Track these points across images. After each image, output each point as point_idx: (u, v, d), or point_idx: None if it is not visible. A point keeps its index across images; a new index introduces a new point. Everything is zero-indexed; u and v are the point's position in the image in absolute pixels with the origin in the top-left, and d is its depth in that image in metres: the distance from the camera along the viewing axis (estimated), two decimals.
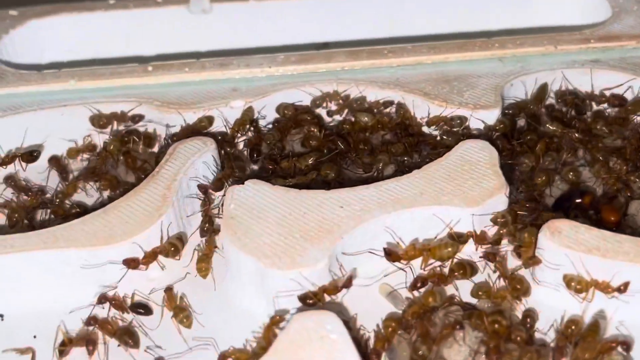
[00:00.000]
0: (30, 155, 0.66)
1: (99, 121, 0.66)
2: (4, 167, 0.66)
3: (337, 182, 0.63)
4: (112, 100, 0.68)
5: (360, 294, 0.56)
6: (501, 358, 0.50)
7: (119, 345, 0.53)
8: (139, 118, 0.67)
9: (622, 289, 0.53)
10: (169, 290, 0.56)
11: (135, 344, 0.52)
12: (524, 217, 0.59)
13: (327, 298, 0.54)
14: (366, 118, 0.68)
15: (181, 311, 0.54)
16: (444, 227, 0.58)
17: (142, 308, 0.55)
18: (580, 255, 0.54)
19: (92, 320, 0.53)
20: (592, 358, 0.51)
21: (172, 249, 0.57)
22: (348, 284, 0.55)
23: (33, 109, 0.67)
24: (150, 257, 0.57)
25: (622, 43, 0.74)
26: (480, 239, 0.58)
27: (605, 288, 0.54)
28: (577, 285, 0.54)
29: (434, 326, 0.53)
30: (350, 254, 0.56)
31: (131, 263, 0.56)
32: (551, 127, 0.66)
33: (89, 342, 0.52)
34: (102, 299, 0.55)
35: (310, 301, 0.53)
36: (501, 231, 0.58)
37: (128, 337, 0.53)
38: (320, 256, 0.54)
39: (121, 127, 0.67)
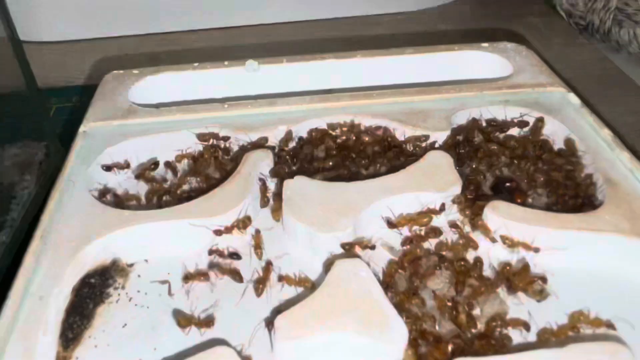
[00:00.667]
0: (155, 164, 0.68)
1: (203, 137, 0.68)
2: (150, 171, 0.68)
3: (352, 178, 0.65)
4: (203, 126, 0.69)
5: None
6: (464, 288, 0.53)
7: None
8: (226, 137, 0.68)
9: (536, 250, 0.56)
10: (257, 233, 0.58)
11: (240, 279, 0.55)
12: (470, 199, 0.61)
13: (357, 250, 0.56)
14: (367, 137, 0.69)
15: (258, 247, 0.57)
16: (422, 205, 0.60)
17: (235, 255, 0.57)
18: (511, 222, 0.56)
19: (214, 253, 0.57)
20: (524, 286, 0.53)
21: (243, 224, 0.59)
22: (372, 247, 0.57)
23: (155, 133, 0.69)
24: (229, 229, 0.58)
25: (522, 90, 0.76)
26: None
27: (526, 247, 0.56)
28: (509, 242, 0.56)
29: (421, 267, 0.55)
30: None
31: (217, 232, 0.57)
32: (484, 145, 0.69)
33: (201, 275, 0.55)
34: (210, 251, 0.57)
35: (347, 247, 0.56)
36: (459, 207, 0.60)
37: (236, 275, 0.55)
38: (348, 224, 0.56)
39: (214, 142, 0.68)
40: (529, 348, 0.48)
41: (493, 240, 0.57)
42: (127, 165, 0.68)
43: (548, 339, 0.50)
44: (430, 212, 0.60)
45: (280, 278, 0.55)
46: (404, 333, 0.47)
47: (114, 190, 0.65)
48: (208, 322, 0.50)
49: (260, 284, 0.54)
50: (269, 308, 0.53)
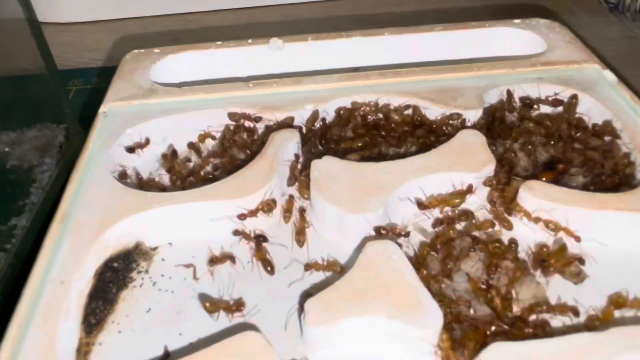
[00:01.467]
0: (173, 153, 0.67)
1: (234, 117, 0.67)
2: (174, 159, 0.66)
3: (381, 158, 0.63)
4: (227, 105, 0.68)
5: None
6: (496, 271, 0.51)
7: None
8: (258, 117, 0.67)
9: (577, 239, 0.54)
10: (291, 198, 0.58)
11: (272, 270, 0.53)
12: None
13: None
14: (396, 116, 0.67)
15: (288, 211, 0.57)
16: (455, 186, 0.58)
17: (262, 237, 0.55)
18: (547, 203, 0.54)
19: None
20: (561, 266, 0.52)
21: (267, 207, 0.57)
22: (406, 234, 0.55)
23: (177, 112, 0.68)
24: (254, 212, 0.57)
25: (556, 66, 0.74)
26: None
27: (569, 233, 0.54)
28: (552, 226, 0.54)
29: (454, 249, 0.53)
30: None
31: (241, 216, 0.56)
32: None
33: (227, 257, 0.53)
34: (236, 232, 0.55)
35: (383, 232, 0.54)
36: (493, 188, 0.58)
37: (267, 264, 0.54)
38: (379, 205, 0.54)
39: (247, 123, 0.67)
40: (569, 332, 0.46)
41: (536, 221, 0.55)
42: (147, 143, 0.66)
43: (591, 324, 0.48)
44: (462, 193, 0.58)
45: (307, 267, 0.53)
46: (439, 316, 0.45)
47: (136, 171, 0.64)
48: (239, 305, 0.49)
49: (300, 236, 0.54)
50: (297, 292, 0.51)
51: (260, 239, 0.55)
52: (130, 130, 0.65)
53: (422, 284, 0.48)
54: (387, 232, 0.54)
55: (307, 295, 0.49)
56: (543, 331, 0.47)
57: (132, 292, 0.52)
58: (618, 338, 0.44)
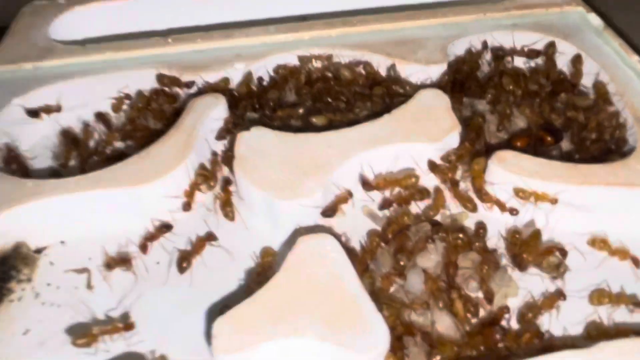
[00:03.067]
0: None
1: (162, 80, 0.57)
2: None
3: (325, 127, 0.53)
4: (141, 67, 0.58)
5: (349, 214, 0.48)
6: (456, 270, 0.43)
7: None
8: (191, 82, 0.57)
9: (555, 200, 0.45)
10: (227, 184, 0.49)
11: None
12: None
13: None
14: (347, 72, 0.58)
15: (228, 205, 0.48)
16: (412, 160, 0.49)
17: (166, 226, 0.46)
18: (523, 178, 0.45)
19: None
20: (535, 259, 0.43)
21: (203, 178, 0.48)
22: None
23: (79, 76, 0.57)
24: (191, 193, 0.48)
25: (534, 10, 0.65)
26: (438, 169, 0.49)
27: (542, 198, 0.45)
28: (522, 194, 0.46)
29: (409, 240, 0.44)
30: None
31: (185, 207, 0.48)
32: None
33: (124, 261, 0.44)
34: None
35: (329, 213, 0.46)
36: (456, 162, 0.48)
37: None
38: (316, 187, 0.45)
39: (176, 89, 0.57)
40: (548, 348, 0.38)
41: (502, 208, 0.46)
42: (58, 109, 0.56)
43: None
44: (414, 173, 0.48)
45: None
46: (385, 336, 0.36)
47: (16, 152, 0.53)
48: (127, 326, 0.39)
49: (227, 207, 0.47)
50: (211, 300, 0.42)
51: (164, 229, 0.46)
52: (19, 100, 0.55)
53: (364, 291, 0.38)
54: (333, 212, 0.46)
55: (222, 308, 0.39)
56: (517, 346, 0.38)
57: (7, 308, 0.42)
58: (608, 355, 0.36)
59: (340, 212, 0.47)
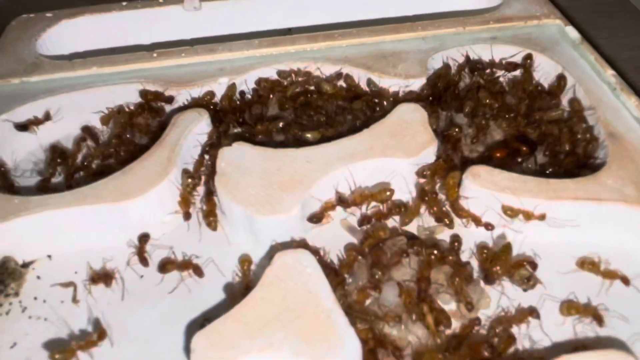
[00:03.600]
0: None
1: (146, 95, 0.58)
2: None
3: (303, 141, 0.55)
4: (126, 81, 0.59)
5: (328, 228, 0.49)
6: (428, 285, 0.44)
7: None
8: (171, 98, 0.58)
9: (542, 217, 0.47)
10: (209, 195, 0.50)
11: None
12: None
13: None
14: (327, 87, 0.59)
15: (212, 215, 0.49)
16: (389, 173, 0.50)
17: (145, 236, 0.48)
18: (495, 193, 0.47)
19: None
20: (505, 272, 0.45)
21: (192, 185, 0.50)
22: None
23: (65, 91, 0.58)
24: (185, 201, 0.50)
25: (513, 23, 0.66)
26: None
27: (529, 216, 0.47)
28: (510, 212, 0.47)
29: (384, 254, 0.45)
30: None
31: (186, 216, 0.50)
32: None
33: (107, 276, 0.45)
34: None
35: (315, 220, 0.48)
36: (433, 176, 0.50)
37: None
38: (294, 204, 0.46)
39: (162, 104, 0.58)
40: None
41: (477, 223, 0.47)
42: (46, 118, 0.57)
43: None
44: (389, 188, 0.50)
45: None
46: (357, 350, 0.38)
47: (3, 168, 0.54)
48: (100, 334, 0.41)
49: (210, 217, 0.48)
50: (193, 314, 0.43)
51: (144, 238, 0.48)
52: (6, 116, 0.55)
53: (338, 306, 0.40)
54: (318, 219, 0.48)
55: (202, 322, 0.41)
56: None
57: None
58: None
59: (327, 218, 0.49)
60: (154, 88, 0.58)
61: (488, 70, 0.62)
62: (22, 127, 0.56)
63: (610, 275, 0.45)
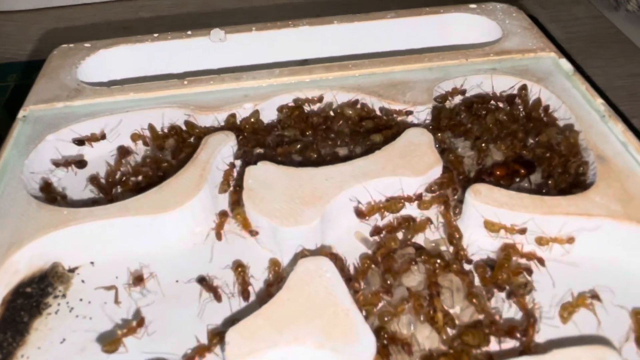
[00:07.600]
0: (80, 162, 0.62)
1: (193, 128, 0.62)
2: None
3: (323, 161, 0.59)
4: (160, 106, 0.63)
5: (344, 239, 0.53)
6: (438, 289, 0.48)
7: None
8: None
9: (523, 231, 0.51)
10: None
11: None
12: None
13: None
14: (351, 111, 0.63)
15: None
16: (399, 191, 0.54)
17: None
18: (494, 209, 0.51)
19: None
20: (506, 278, 0.49)
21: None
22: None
23: (105, 115, 0.63)
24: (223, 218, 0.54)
25: (511, 56, 0.70)
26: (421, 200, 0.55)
27: (511, 230, 0.51)
28: (492, 226, 0.51)
29: (395, 262, 0.50)
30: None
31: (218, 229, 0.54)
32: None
33: (140, 280, 0.50)
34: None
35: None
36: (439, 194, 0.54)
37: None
38: (314, 216, 0.50)
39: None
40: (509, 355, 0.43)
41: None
42: (102, 136, 0.62)
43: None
44: (402, 199, 0.54)
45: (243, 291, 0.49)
46: (372, 344, 0.42)
47: (55, 186, 0.59)
48: (139, 322, 0.45)
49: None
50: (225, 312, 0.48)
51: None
52: (52, 137, 0.60)
53: (355, 306, 0.44)
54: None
55: (232, 322, 0.45)
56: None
57: (45, 320, 0.47)
58: None
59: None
60: (187, 112, 0.62)
61: (492, 102, 0.66)
62: (80, 142, 0.61)
63: (528, 256, 0.50)
